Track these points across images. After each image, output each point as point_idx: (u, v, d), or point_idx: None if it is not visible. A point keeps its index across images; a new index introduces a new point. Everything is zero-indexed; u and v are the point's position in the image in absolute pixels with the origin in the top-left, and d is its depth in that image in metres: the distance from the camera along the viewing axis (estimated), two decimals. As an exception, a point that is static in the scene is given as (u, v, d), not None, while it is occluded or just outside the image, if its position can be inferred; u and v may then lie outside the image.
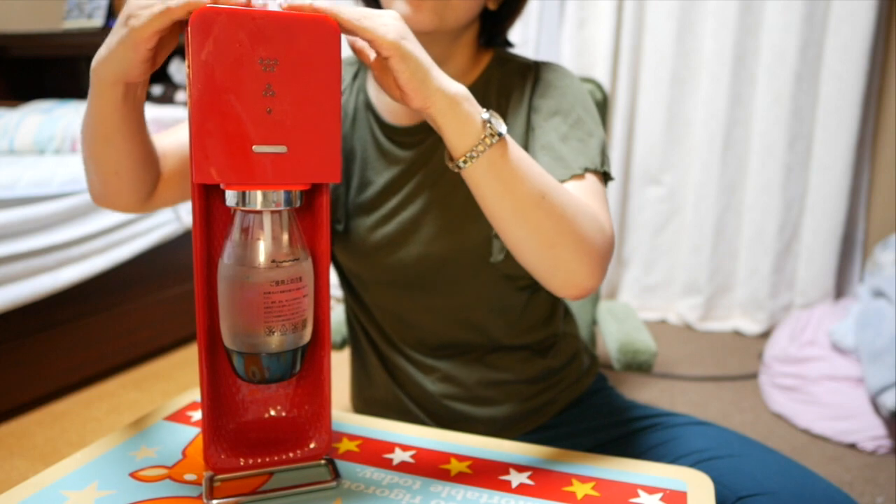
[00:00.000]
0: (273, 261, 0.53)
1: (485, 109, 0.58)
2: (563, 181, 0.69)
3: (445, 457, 0.65)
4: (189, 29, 0.49)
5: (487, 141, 0.56)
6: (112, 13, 2.67)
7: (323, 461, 0.63)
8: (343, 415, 0.75)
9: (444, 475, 0.62)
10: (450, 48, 0.76)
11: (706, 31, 2.40)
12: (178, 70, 2.58)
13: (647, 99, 2.52)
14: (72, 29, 2.62)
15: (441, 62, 0.75)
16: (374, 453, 0.66)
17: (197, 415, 0.72)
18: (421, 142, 0.77)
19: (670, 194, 2.57)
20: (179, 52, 2.63)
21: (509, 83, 0.77)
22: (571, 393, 0.87)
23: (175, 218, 2.17)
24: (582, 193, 0.68)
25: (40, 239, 1.72)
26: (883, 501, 1.43)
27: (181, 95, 2.49)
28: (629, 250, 2.68)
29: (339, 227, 0.80)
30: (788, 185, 2.39)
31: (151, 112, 2.25)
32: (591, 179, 0.70)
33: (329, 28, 0.52)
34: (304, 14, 0.52)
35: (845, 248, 2.43)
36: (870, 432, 1.65)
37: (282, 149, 0.52)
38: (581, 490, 0.60)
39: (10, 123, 2.21)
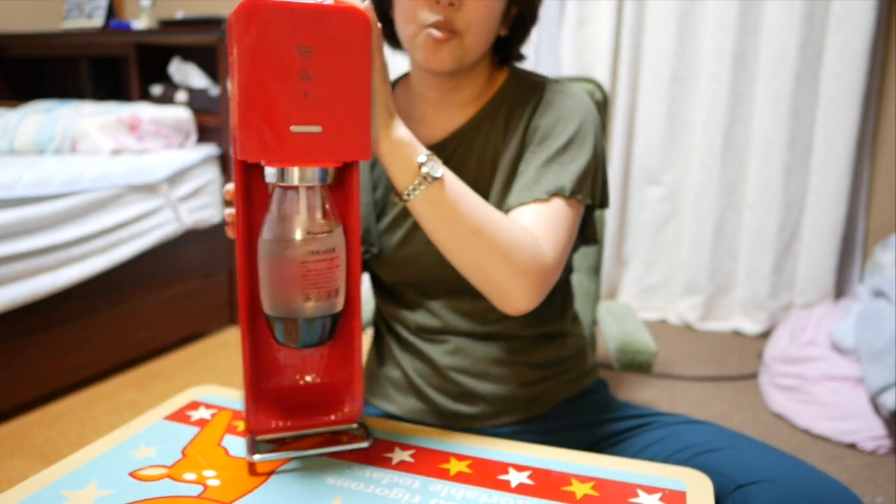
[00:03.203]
0: (309, 232, 0.57)
1: (424, 153, 0.66)
2: (525, 203, 0.75)
3: (445, 456, 0.65)
4: (233, 19, 0.54)
5: (421, 182, 0.65)
6: (112, 13, 2.67)
7: (356, 424, 0.67)
8: (343, 414, 0.75)
9: (444, 474, 0.62)
10: (466, 77, 0.81)
11: (706, 31, 2.40)
12: (178, 70, 2.58)
13: (647, 99, 2.51)
14: (72, 29, 2.62)
15: (457, 89, 0.82)
16: (374, 453, 0.66)
17: (196, 414, 0.73)
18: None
19: (670, 194, 2.57)
20: (180, 51, 2.63)
21: (518, 101, 0.82)
22: (573, 388, 0.88)
23: (175, 218, 2.17)
24: (538, 217, 0.74)
25: (40, 239, 1.72)
26: (883, 501, 1.43)
27: (181, 95, 2.48)
28: (629, 250, 2.68)
29: (374, 251, 0.85)
30: (788, 184, 2.39)
31: (151, 112, 2.25)
32: (556, 204, 0.74)
33: (360, 18, 0.57)
34: (337, 6, 0.56)
35: (845, 248, 2.43)
36: (870, 432, 1.65)
37: (317, 129, 0.56)
38: (580, 490, 0.60)
39: (10, 123, 2.21)
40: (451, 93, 0.82)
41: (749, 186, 2.45)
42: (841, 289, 2.46)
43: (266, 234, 0.59)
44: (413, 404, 0.86)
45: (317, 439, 0.68)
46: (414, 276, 0.84)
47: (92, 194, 1.88)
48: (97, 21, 2.63)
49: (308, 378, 0.67)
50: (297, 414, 0.66)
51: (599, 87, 1.22)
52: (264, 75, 0.54)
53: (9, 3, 2.90)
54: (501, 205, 0.80)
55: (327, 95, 0.56)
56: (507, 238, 0.69)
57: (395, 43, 0.84)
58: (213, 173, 2.35)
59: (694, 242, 2.53)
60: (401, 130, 0.65)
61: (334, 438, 0.68)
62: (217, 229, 2.39)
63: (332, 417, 0.66)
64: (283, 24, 0.54)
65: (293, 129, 0.56)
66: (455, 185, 0.68)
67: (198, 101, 2.46)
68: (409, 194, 0.66)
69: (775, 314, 2.47)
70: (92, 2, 2.66)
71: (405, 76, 0.88)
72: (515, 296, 0.71)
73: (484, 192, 0.80)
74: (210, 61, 2.59)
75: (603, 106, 1.19)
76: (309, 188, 0.58)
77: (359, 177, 0.63)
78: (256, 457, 0.62)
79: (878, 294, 1.90)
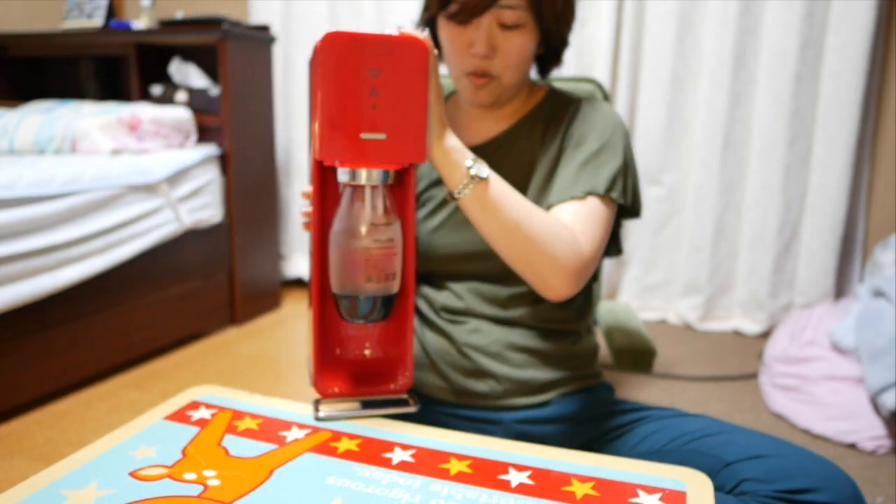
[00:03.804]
0: (372, 224, 0.69)
1: (471, 157, 0.75)
2: (563, 201, 0.84)
3: (445, 456, 0.65)
4: (319, 48, 0.65)
5: (469, 182, 0.75)
6: (112, 13, 2.67)
7: (405, 395, 0.77)
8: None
9: (444, 474, 0.62)
10: (506, 97, 0.91)
11: (706, 31, 2.40)
12: (178, 70, 2.58)
13: (647, 99, 2.51)
14: (72, 29, 2.62)
15: (497, 107, 0.91)
16: (374, 452, 0.66)
17: (196, 414, 0.73)
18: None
19: (670, 194, 2.57)
20: (180, 51, 2.63)
21: (555, 115, 0.92)
22: (579, 384, 0.92)
23: (175, 218, 2.17)
24: (576, 213, 0.82)
25: (40, 239, 1.72)
26: (883, 501, 1.43)
27: (181, 95, 2.49)
28: (629, 250, 2.68)
29: None
30: (788, 184, 2.39)
31: (151, 112, 2.25)
32: (592, 202, 0.83)
33: (419, 46, 0.68)
34: (401, 36, 0.68)
35: (845, 248, 2.43)
36: (870, 432, 1.65)
37: (382, 136, 0.67)
38: (580, 490, 0.60)
39: (10, 123, 2.21)
40: (493, 109, 0.92)
41: (749, 186, 2.45)
42: (841, 289, 2.46)
43: (337, 225, 0.70)
44: (428, 379, 0.92)
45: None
46: (444, 263, 0.91)
47: (92, 194, 1.88)
48: (97, 21, 2.63)
49: (367, 352, 0.78)
50: (356, 382, 0.77)
51: (600, 87, 1.22)
52: (341, 92, 0.66)
53: (9, 3, 2.90)
54: (539, 199, 0.88)
55: (391, 108, 0.67)
56: (545, 231, 0.77)
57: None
58: (212, 173, 2.35)
59: (694, 242, 2.53)
60: (451, 139, 0.75)
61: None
62: (217, 229, 2.39)
63: (387, 387, 0.77)
64: (358, 52, 0.66)
65: (363, 136, 0.67)
66: (499, 185, 0.77)
67: (198, 101, 2.46)
68: (459, 193, 0.76)
69: (775, 314, 2.47)
70: (92, 2, 2.66)
71: (456, 92, 0.97)
72: (555, 283, 0.78)
73: (520, 191, 0.87)
74: (210, 61, 2.59)
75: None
76: (373, 187, 0.69)
77: (415, 178, 0.73)
78: (321, 413, 0.72)
79: (878, 294, 1.90)
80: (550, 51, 0.93)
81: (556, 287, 0.79)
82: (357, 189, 0.69)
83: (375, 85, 0.67)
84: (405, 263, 0.73)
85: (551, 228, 0.78)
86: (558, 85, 1.13)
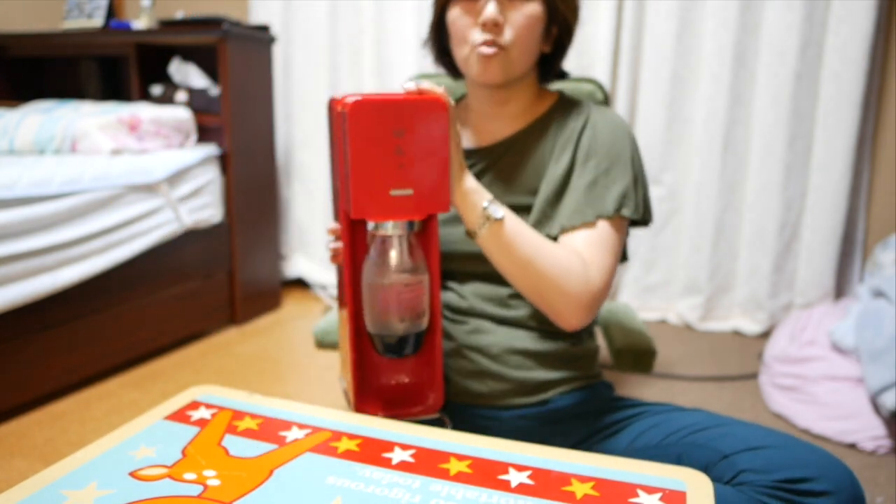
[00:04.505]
0: (401, 270, 0.74)
1: (487, 199, 0.80)
2: (575, 227, 0.86)
3: (445, 456, 0.65)
4: (346, 114, 0.70)
5: (485, 222, 0.80)
6: (112, 13, 2.67)
7: (437, 414, 0.83)
8: (343, 414, 0.75)
9: (444, 474, 0.62)
10: (514, 90, 0.93)
11: (706, 31, 2.40)
12: (178, 70, 2.58)
13: (647, 99, 2.51)
14: (72, 29, 2.62)
15: (506, 102, 0.94)
16: (374, 452, 0.66)
17: (196, 414, 0.73)
18: (479, 160, 0.95)
19: (670, 194, 2.57)
20: (180, 51, 2.63)
21: (566, 123, 0.94)
22: (579, 383, 0.92)
23: (175, 218, 2.17)
24: (586, 241, 0.85)
25: (40, 239, 1.72)
26: (883, 501, 1.43)
27: (181, 95, 2.49)
28: (629, 250, 2.67)
29: None
30: (788, 184, 2.39)
31: (151, 112, 2.25)
32: (602, 226, 0.86)
33: (439, 104, 0.72)
34: (420, 97, 0.72)
35: (845, 248, 2.43)
36: (870, 432, 1.65)
37: (409, 191, 0.72)
38: (580, 489, 0.60)
39: (10, 123, 2.21)
40: (501, 105, 0.94)
41: (749, 186, 2.45)
42: (841, 289, 2.46)
43: (368, 271, 0.75)
44: None
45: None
46: (448, 263, 0.93)
47: (92, 194, 1.87)
48: (97, 21, 2.63)
49: (401, 378, 0.83)
50: (392, 406, 0.82)
51: (600, 87, 1.22)
52: (370, 155, 0.70)
53: (9, 3, 2.90)
54: (548, 211, 0.90)
55: (417, 164, 0.72)
56: (556, 265, 0.81)
57: (455, 72, 0.98)
58: (213, 173, 2.35)
59: (694, 242, 2.53)
60: (470, 182, 0.80)
61: None
62: (217, 229, 2.39)
63: (419, 408, 0.82)
64: (383, 116, 0.70)
65: (392, 192, 0.71)
66: (513, 224, 0.81)
67: (198, 101, 2.46)
68: (475, 231, 0.81)
69: (775, 314, 2.47)
70: (92, 2, 2.66)
71: (466, 95, 0.99)
72: (566, 315, 0.82)
73: (528, 196, 0.91)
74: (210, 61, 2.59)
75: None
76: (400, 236, 0.74)
77: (437, 223, 0.79)
78: None
79: (878, 294, 1.90)
80: (558, 43, 0.94)
81: (568, 318, 0.83)
82: (386, 237, 0.75)
83: (400, 144, 0.71)
84: (432, 300, 0.79)
85: (561, 262, 0.82)
86: (561, 86, 1.13)
